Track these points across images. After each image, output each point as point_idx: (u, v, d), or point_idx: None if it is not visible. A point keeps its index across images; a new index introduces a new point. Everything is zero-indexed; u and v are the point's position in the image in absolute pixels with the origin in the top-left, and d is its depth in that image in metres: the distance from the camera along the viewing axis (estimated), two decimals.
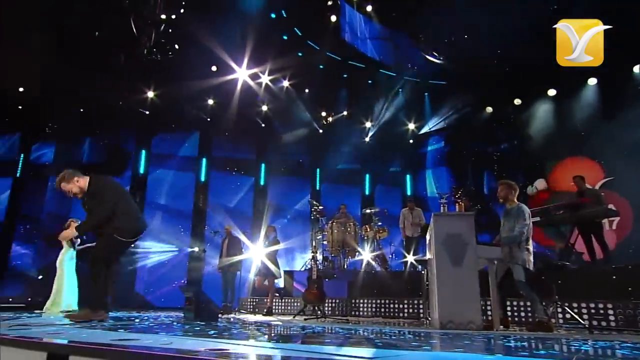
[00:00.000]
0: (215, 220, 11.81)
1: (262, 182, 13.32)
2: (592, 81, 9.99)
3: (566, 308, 5.00)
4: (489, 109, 12.05)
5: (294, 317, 6.86)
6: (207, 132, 12.79)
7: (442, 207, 4.94)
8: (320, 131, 13.37)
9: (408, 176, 14.20)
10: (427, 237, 5.48)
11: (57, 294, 6.49)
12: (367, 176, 14.12)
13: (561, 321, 5.20)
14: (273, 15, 11.18)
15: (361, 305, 7.57)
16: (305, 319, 6.28)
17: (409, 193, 13.80)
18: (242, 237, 8.73)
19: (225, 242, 8.43)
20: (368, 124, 13.72)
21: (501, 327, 4.60)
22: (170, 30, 10.25)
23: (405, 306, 7.16)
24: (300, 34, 11.75)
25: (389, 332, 3.70)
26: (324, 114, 13.24)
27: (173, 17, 10.10)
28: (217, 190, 12.61)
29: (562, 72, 7.72)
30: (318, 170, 13.79)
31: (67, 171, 4.32)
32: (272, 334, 3.52)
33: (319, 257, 8.14)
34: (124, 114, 11.78)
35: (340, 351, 2.13)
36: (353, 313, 7.55)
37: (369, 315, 7.37)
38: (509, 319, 5.25)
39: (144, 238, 11.22)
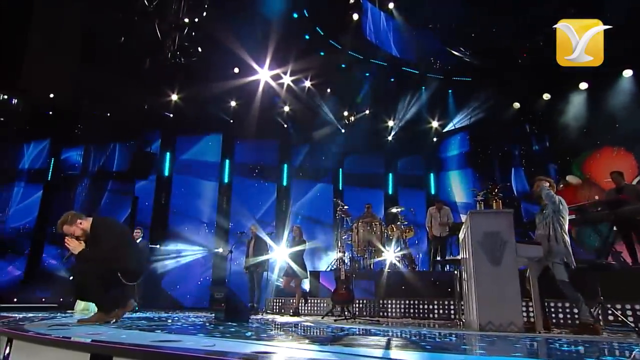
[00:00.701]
0: (239, 220, 11.87)
1: (284, 183, 13.31)
2: (628, 73, 9.58)
3: (612, 310, 4.76)
4: (517, 105, 11.70)
5: (322, 317, 6.79)
6: (230, 134, 12.84)
7: (477, 205, 4.77)
8: (343, 131, 13.26)
9: (432, 175, 13.94)
10: (461, 236, 5.32)
11: None
12: (390, 176, 13.92)
13: (603, 323, 4.95)
14: (295, 15, 11.15)
15: (389, 306, 7.42)
16: (335, 320, 6.18)
17: (432, 193, 13.55)
18: (267, 239, 8.71)
19: (251, 242, 8.41)
20: (391, 123, 13.52)
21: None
22: (193, 34, 10.35)
23: (436, 307, 6.99)
24: (322, 33, 11.68)
25: (429, 334, 3.58)
26: (346, 113, 13.13)
27: (196, 20, 10.19)
28: (240, 191, 12.66)
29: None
30: (340, 170, 13.69)
31: (70, 213, 4.18)
32: (312, 336, 3.44)
33: (346, 257, 8.03)
34: (148, 117, 11.97)
35: (393, 354, 2.03)
36: (381, 314, 7.41)
37: (398, 317, 7.22)
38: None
39: (170, 241, 11.41)
